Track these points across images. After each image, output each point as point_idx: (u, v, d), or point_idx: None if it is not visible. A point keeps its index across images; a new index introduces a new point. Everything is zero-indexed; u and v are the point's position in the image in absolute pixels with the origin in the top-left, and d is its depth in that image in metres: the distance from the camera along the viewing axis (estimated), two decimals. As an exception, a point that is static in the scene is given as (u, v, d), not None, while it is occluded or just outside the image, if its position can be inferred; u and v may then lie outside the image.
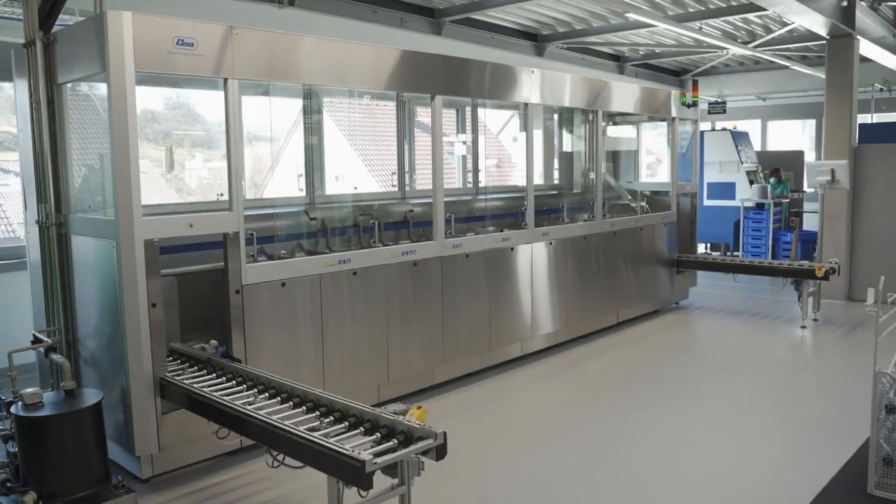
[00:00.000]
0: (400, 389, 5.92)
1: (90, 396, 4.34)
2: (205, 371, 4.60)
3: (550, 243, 7.16)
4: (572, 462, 4.80)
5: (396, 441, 3.43)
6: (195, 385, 4.28)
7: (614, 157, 9.87)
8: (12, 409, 4.14)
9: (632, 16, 8.48)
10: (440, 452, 3.44)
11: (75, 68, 4.47)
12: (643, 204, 8.88)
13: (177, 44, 4.27)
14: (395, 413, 3.69)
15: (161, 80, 5.52)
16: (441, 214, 6.01)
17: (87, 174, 4.85)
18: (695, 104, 9.01)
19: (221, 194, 5.05)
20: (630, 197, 9.16)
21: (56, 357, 4.52)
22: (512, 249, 6.72)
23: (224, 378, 4.43)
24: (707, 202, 12.83)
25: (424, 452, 3.42)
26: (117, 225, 4.16)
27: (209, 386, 4.29)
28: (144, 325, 4.27)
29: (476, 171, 8.65)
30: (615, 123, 9.84)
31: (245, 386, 4.27)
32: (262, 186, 6.84)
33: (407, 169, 7.70)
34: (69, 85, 4.69)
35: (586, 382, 6.54)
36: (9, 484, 4.18)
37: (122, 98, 4.08)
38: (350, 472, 3.14)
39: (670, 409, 5.78)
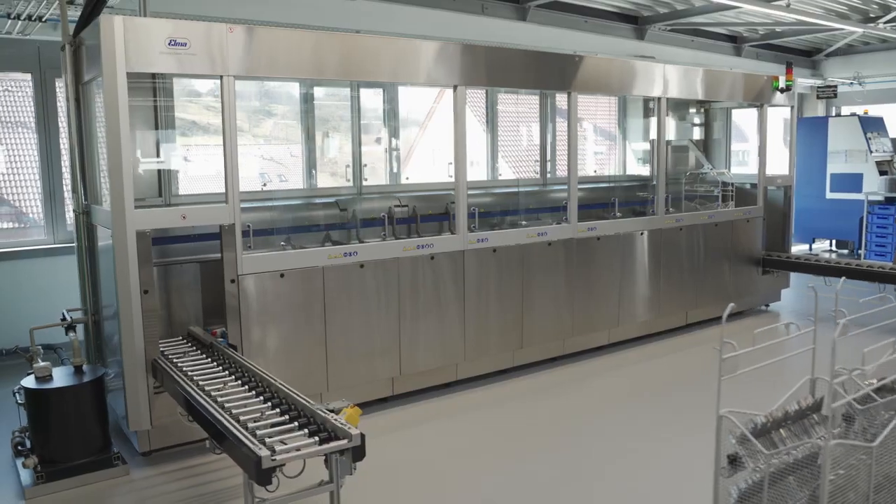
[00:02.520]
0: (417, 383, 5.91)
1: (93, 373, 4.73)
2: (205, 356, 4.84)
3: (598, 239, 6.83)
4: (541, 482, 4.59)
5: (318, 439, 3.45)
6: (184, 368, 4.51)
7: (705, 146, 9.21)
8: (22, 382, 4.58)
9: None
10: (356, 454, 3.42)
11: (90, 69, 4.83)
12: (727, 188, 8.22)
13: (169, 44, 4.48)
14: (329, 410, 3.71)
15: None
16: (464, 207, 5.90)
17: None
18: (788, 88, 8.19)
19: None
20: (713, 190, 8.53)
21: (70, 335, 4.94)
22: (549, 245, 6.47)
23: (216, 363, 4.63)
24: (830, 195, 11.68)
25: (342, 453, 3.43)
26: (112, 216, 4.47)
27: (194, 370, 4.51)
28: (137, 310, 4.55)
29: (544, 161, 8.43)
30: (707, 111, 9.18)
31: (227, 372, 4.45)
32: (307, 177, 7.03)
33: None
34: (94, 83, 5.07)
35: (610, 393, 6.18)
36: (20, 448, 4.65)
37: (114, 97, 4.35)
38: (251, 466, 3.20)
39: (664, 438, 5.24)
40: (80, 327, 5.24)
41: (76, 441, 4.54)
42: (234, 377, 4.35)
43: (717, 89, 7.84)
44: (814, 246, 12.29)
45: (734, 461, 2.35)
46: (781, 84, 8.14)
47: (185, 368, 4.52)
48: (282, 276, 5.08)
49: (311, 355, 5.25)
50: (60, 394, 4.49)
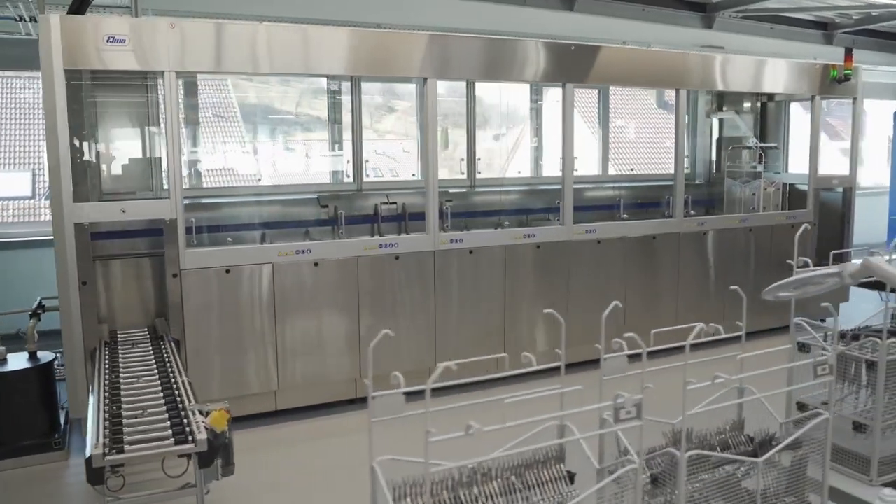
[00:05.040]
0: (384, 386, 5.71)
1: (43, 358, 4.92)
2: (150, 348, 4.90)
3: (598, 242, 6.35)
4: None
5: (175, 440, 3.40)
6: (120, 360, 4.59)
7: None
8: (-27, 367, 4.83)
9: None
10: (202, 460, 3.34)
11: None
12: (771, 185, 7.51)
13: (107, 41, 4.56)
14: (199, 411, 3.65)
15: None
16: (434, 204, 5.65)
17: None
18: (847, 79, 7.29)
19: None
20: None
21: (31, 321, 5.16)
22: (538, 247, 6.09)
23: (152, 356, 4.69)
24: (927, 199, 10.37)
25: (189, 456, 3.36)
26: (51, 208, 4.61)
27: (126, 362, 4.57)
28: (75, 301, 4.68)
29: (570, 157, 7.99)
30: (764, 104, 8.37)
31: (155, 366, 4.49)
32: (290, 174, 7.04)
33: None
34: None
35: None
36: (-28, 428, 4.90)
37: (52, 93, 4.48)
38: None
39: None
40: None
41: (20, 424, 4.73)
42: (156, 371, 4.39)
43: (752, 79, 7.10)
44: (912, 256, 10.94)
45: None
46: (839, 74, 7.26)
47: (120, 360, 4.61)
48: (227, 272, 5.07)
49: (259, 353, 5.21)
50: (3, 378, 4.70)
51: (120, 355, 4.67)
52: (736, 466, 2.29)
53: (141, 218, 4.93)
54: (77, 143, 5.22)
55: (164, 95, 4.76)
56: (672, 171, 6.93)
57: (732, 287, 2.94)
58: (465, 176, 7.21)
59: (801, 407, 2.97)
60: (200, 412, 3.63)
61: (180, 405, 3.81)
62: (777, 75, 7.21)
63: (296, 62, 5.16)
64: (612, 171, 8.99)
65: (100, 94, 5.32)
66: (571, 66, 6.08)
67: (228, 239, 5.55)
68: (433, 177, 5.62)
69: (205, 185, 6.72)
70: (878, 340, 3.17)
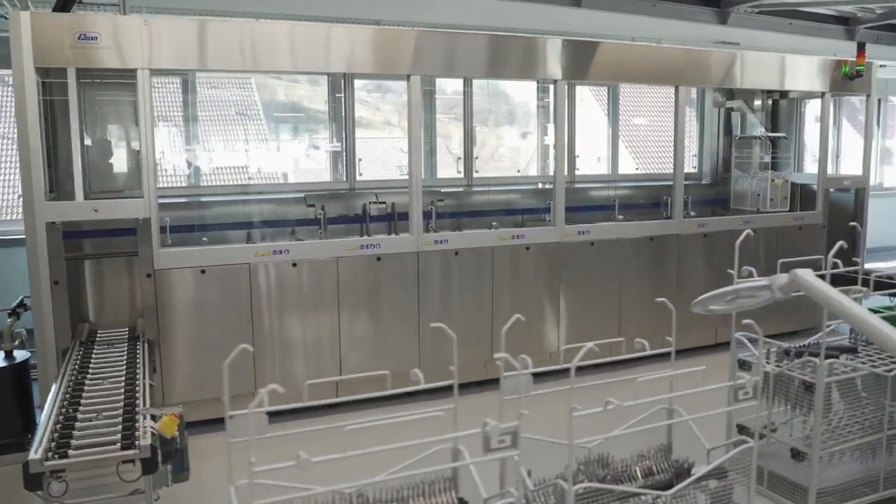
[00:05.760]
0: (368, 389, 5.60)
1: (18, 357, 4.89)
2: (126, 348, 4.85)
3: (591, 244, 6.16)
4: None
5: (121, 445, 3.33)
6: (91, 360, 4.55)
7: (773, 143, 8.12)
8: (-51, 365, 4.82)
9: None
10: (145, 466, 3.25)
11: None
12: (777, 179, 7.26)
13: (79, 38, 4.51)
14: (152, 416, 3.58)
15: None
16: (418, 204, 5.52)
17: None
18: (859, 75, 6.99)
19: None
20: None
21: (9, 320, 5.14)
22: (527, 249, 5.92)
23: (125, 357, 4.64)
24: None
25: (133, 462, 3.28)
26: (23, 207, 4.58)
27: (97, 363, 4.52)
28: (47, 300, 4.65)
29: (572, 157, 7.80)
30: (775, 101, 8.08)
31: (124, 367, 4.44)
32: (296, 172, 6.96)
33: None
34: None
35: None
36: (-53, 425, 4.90)
37: (22, 91, 4.45)
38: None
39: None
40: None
41: (-6, 423, 4.72)
42: (124, 372, 4.33)
43: (759, 76, 6.84)
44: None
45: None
46: (851, 70, 6.97)
47: (92, 360, 4.57)
48: (203, 272, 5.00)
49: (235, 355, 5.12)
50: (-25, 376, 4.68)
51: (93, 355, 4.62)
52: (656, 495, 2.12)
53: (113, 217, 4.86)
54: (63, 142, 5.24)
55: (138, 93, 4.71)
56: (684, 171, 6.71)
57: (659, 299, 2.76)
58: (461, 175, 7.07)
59: (742, 430, 2.77)
60: (153, 417, 3.56)
61: (136, 409, 3.75)
62: (786, 71, 6.95)
63: (274, 59, 5.06)
64: (634, 169, 8.76)
65: (84, 91, 5.28)
66: (565, 62, 5.90)
67: (204, 239, 5.48)
68: (417, 176, 5.50)
69: (203, 184, 6.70)
70: (817, 360, 2.95)
